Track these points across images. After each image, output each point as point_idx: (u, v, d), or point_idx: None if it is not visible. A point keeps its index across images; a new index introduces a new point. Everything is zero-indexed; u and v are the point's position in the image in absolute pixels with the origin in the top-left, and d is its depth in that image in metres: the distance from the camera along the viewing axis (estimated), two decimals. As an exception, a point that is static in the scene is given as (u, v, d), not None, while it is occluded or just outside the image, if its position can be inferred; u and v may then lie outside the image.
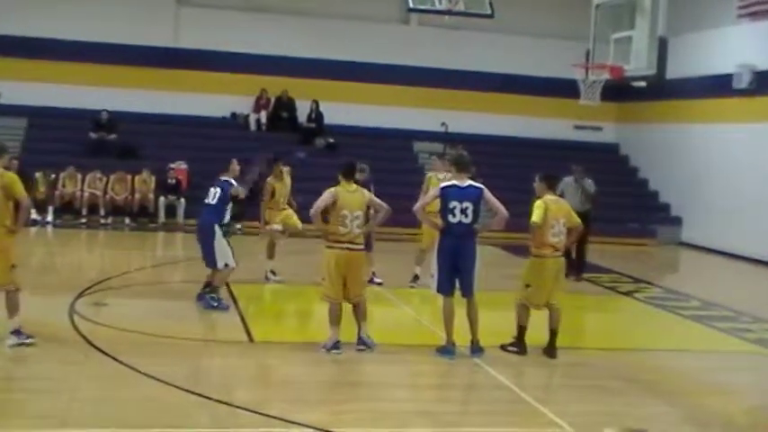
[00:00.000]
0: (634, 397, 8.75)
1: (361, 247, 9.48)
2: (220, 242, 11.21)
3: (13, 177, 8.93)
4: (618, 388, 8.99)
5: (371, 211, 9.79)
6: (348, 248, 9.33)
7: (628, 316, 13.65)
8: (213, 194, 11.38)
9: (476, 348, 9.55)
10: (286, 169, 13.60)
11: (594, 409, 8.26)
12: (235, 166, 11.73)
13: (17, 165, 18.89)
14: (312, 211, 9.44)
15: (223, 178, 11.52)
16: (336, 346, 9.37)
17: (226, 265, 11.24)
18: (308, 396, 8.23)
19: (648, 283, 16.42)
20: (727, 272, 19.29)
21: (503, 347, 9.81)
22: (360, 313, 9.56)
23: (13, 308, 8.94)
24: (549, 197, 9.84)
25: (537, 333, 9.84)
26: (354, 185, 9.56)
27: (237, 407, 7.48)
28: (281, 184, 13.37)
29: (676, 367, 10.25)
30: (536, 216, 9.66)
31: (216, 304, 11.16)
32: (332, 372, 9.08)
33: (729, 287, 16.91)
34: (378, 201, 9.63)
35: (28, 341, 8.93)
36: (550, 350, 9.79)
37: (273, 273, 13.39)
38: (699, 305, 14.03)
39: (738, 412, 8.64)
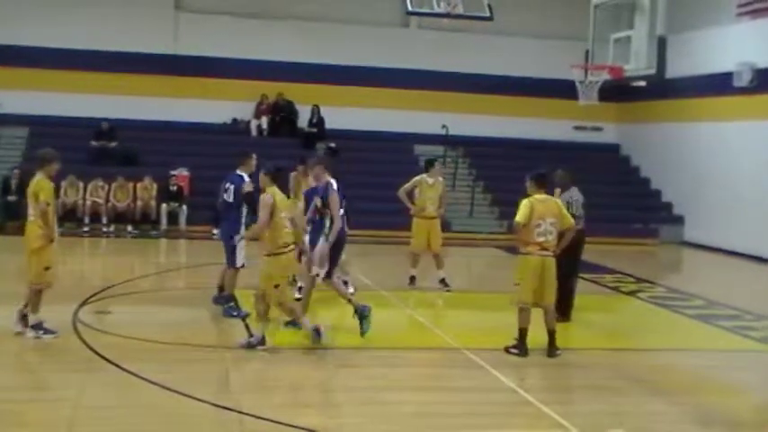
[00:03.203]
0: (638, 396, 8.74)
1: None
2: (241, 242, 11.13)
3: (40, 184, 9.59)
4: (622, 388, 8.99)
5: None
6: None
7: (631, 316, 13.64)
8: (229, 191, 11.17)
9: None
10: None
11: (599, 409, 8.26)
12: (252, 161, 11.33)
13: (18, 174, 19.03)
14: (259, 223, 9.50)
15: (238, 172, 11.22)
16: (262, 342, 9.48)
17: (243, 264, 11.20)
18: (313, 400, 8.24)
19: (651, 282, 16.40)
20: (730, 270, 19.26)
21: (506, 349, 9.82)
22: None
23: (35, 304, 9.57)
24: (538, 196, 9.83)
25: (538, 335, 9.84)
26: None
27: (243, 413, 7.48)
28: (306, 181, 13.36)
29: (680, 366, 10.25)
30: (519, 215, 9.71)
31: (235, 314, 11.12)
32: (336, 376, 9.09)
33: (732, 285, 16.88)
34: (298, 214, 9.90)
35: (45, 336, 9.53)
36: (550, 350, 9.82)
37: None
38: (702, 304, 14.02)
39: (743, 410, 8.63)
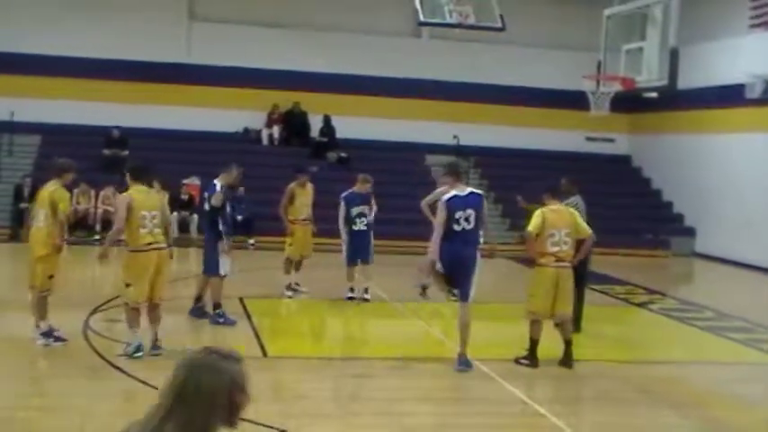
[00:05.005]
0: (649, 409, 8.71)
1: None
2: (222, 250, 11.15)
3: (59, 193, 9.72)
4: (632, 400, 8.96)
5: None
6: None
7: (642, 327, 13.60)
8: (206, 200, 11.32)
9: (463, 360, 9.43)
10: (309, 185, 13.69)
11: (609, 420, 8.23)
12: (232, 171, 11.44)
13: (30, 182, 19.10)
14: (116, 225, 9.47)
15: (215, 181, 11.31)
16: (139, 349, 9.27)
17: (225, 274, 11.22)
18: (322, 410, 8.23)
19: (662, 294, 16.35)
20: (742, 282, 19.19)
21: (516, 360, 9.79)
22: (154, 317, 9.48)
23: (42, 311, 9.59)
24: (550, 207, 9.81)
25: (549, 346, 9.81)
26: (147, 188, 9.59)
27: (252, 422, 7.46)
28: (304, 192, 13.41)
29: (691, 379, 10.20)
30: (531, 225, 9.71)
31: (222, 321, 11.15)
32: (346, 386, 9.09)
33: (744, 298, 16.80)
34: (165, 211, 9.65)
35: (55, 344, 9.54)
36: (566, 361, 9.76)
37: (298, 284, 13.46)
38: (713, 316, 13.96)
39: (753, 424, 8.58)
